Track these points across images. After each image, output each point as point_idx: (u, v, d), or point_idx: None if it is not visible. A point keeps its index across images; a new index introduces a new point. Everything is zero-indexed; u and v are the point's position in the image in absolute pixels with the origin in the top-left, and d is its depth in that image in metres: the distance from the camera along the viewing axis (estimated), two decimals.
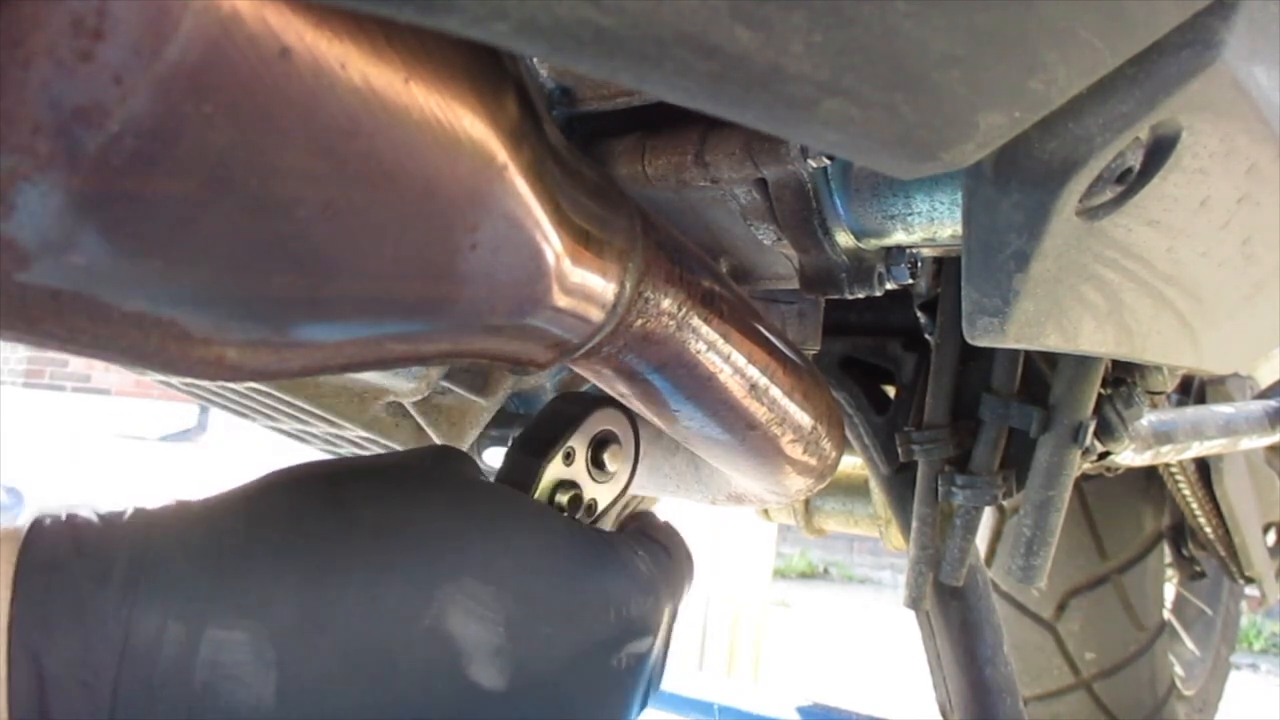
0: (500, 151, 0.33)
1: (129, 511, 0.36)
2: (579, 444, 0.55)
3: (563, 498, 0.53)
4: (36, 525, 0.34)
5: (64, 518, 0.35)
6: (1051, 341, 0.47)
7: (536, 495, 0.52)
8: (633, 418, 0.59)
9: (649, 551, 0.48)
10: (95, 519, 0.35)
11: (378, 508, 0.39)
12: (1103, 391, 0.76)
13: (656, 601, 0.46)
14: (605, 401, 0.56)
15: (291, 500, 0.38)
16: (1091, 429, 0.74)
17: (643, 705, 0.46)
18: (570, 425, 0.55)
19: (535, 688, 0.39)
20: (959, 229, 0.52)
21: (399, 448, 0.81)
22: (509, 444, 0.87)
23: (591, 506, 0.56)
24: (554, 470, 0.53)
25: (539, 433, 0.54)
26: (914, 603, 0.82)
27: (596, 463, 0.56)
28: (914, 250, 0.58)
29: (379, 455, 0.45)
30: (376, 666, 0.35)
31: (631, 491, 0.60)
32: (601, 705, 0.42)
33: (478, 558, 0.39)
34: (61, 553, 0.33)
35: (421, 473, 0.43)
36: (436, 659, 0.36)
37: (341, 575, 0.36)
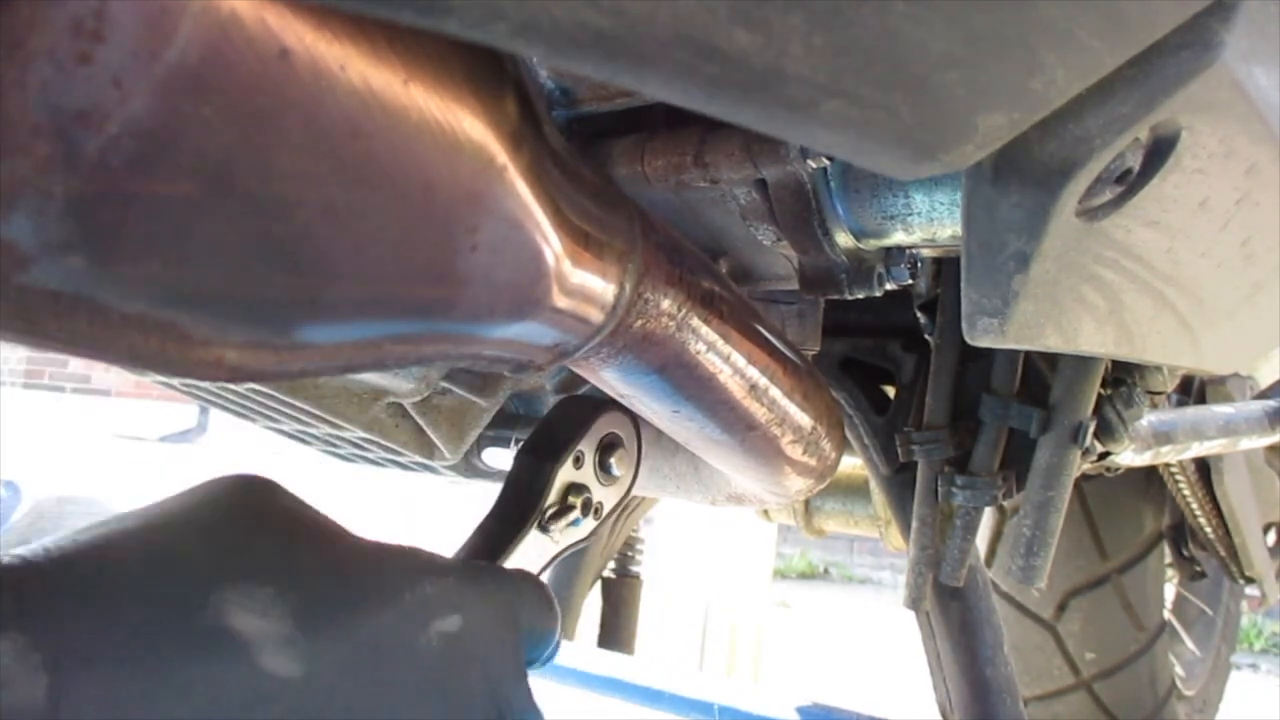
0: (500, 153, 0.33)
1: None
2: (587, 447, 0.55)
3: (575, 500, 0.54)
4: None
5: None
6: (1051, 342, 0.47)
7: (549, 500, 0.53)
8: (636, 421, 0.59)
9: (442, 558, 0.49)
10: None
11: (160, 535, 0.41)
12: (1103, 392, 0.76)
13: (455, 582, 0.46)
14: (611, 405, 0.56)
15: (84, 536, 0.40)
16: (1091, 429, 0.74)
17: (500, 713, 0.46)
18: (579, 429, 0.55)
19: (340, 672, 0.40)
20: (959, 229, 0.52)
21: (399, 448, 0.81)
22: (514, 447, 0.87)
23: (598, 509, 0.56)
24: (565, 474, 0.53)
25: (548, 437, 0.55)
26: (914, 603, 0.82)
27: (603, 466, 0.56)
28: (914, 251, 0.58)
29: (179, 495, 0.46)
30: (157, 662, 0.36)
31: (633, 492, 0.60)
32: (423, 681, 0.43)
33: (250, 564, 0.40)
34: None
35: (215, 505, 0.44)
36: (223, 652, 0.37)
37: (115, 590, 0.37)
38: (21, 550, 0.37)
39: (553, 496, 0.53)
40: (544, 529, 0.53)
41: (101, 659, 0.35)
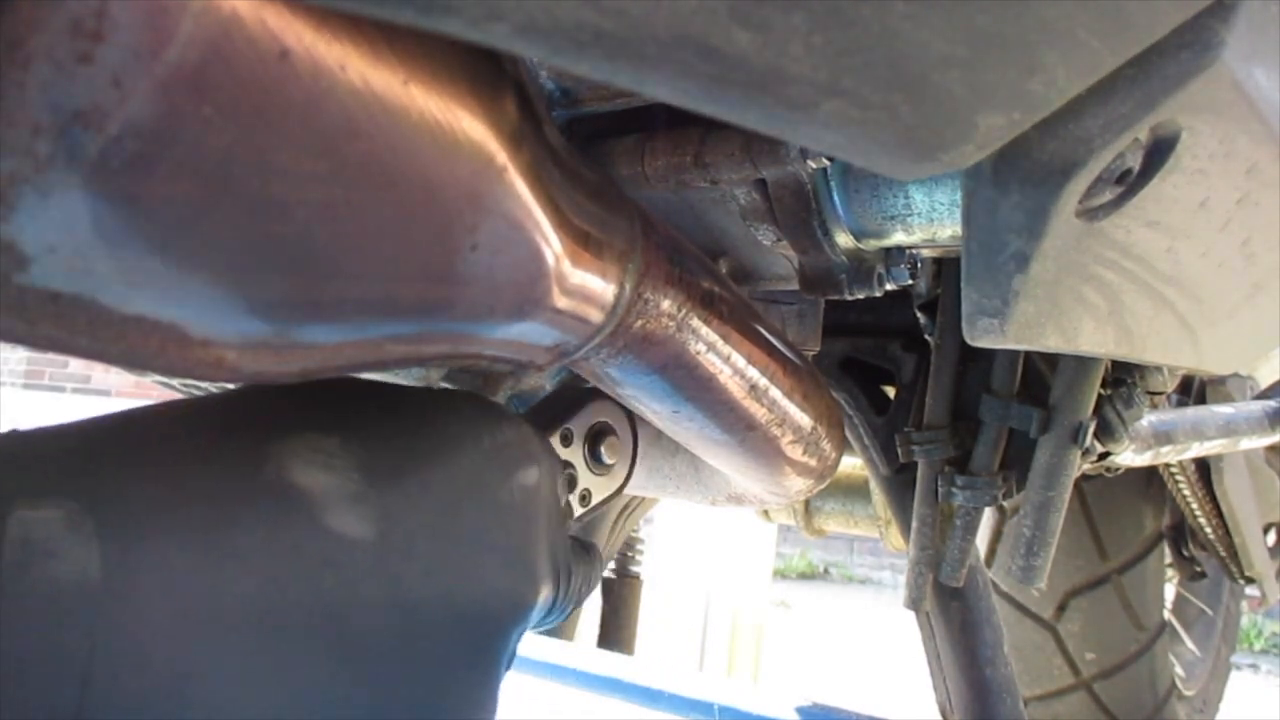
0: (500, 153, 0.33)
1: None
2: (577, 428, 0.55)
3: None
4: None
5: None
6: (1051, 342, 0.47)
7: None
8: (631, 416, 0.59)
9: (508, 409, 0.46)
10: None
11: (213, 396, 0.38)
12: (1103, 392, 0.76)
13: (530, 430, 0.43)
14: (605, 393, 0.56)
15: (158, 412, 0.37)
16: (1091, 429, 0.74)
17: (558, 572, 0.43)
18: (571, 407, 0.55)
19: (415, 531, 0.37)
20: (959, 229, 0.52)
21: None
22: None
23: (586, 496, 0.56)
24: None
25: (539, 412, 0.55)
26: (914, 603, 0.82)
27: (594, 454, 0.56)
28: (914, 251, 0.58)
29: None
30: (216, 527, 0.33)
31: (633, 492, 0.60)
32: (505, 536, 0.40)
33: (317, 414, 0.37)
34: None
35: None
36: (287, 513, 0.34)
37: (170, 450, 0.34)
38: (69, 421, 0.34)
39: None
40: None
41: (156, 524, 0.32)
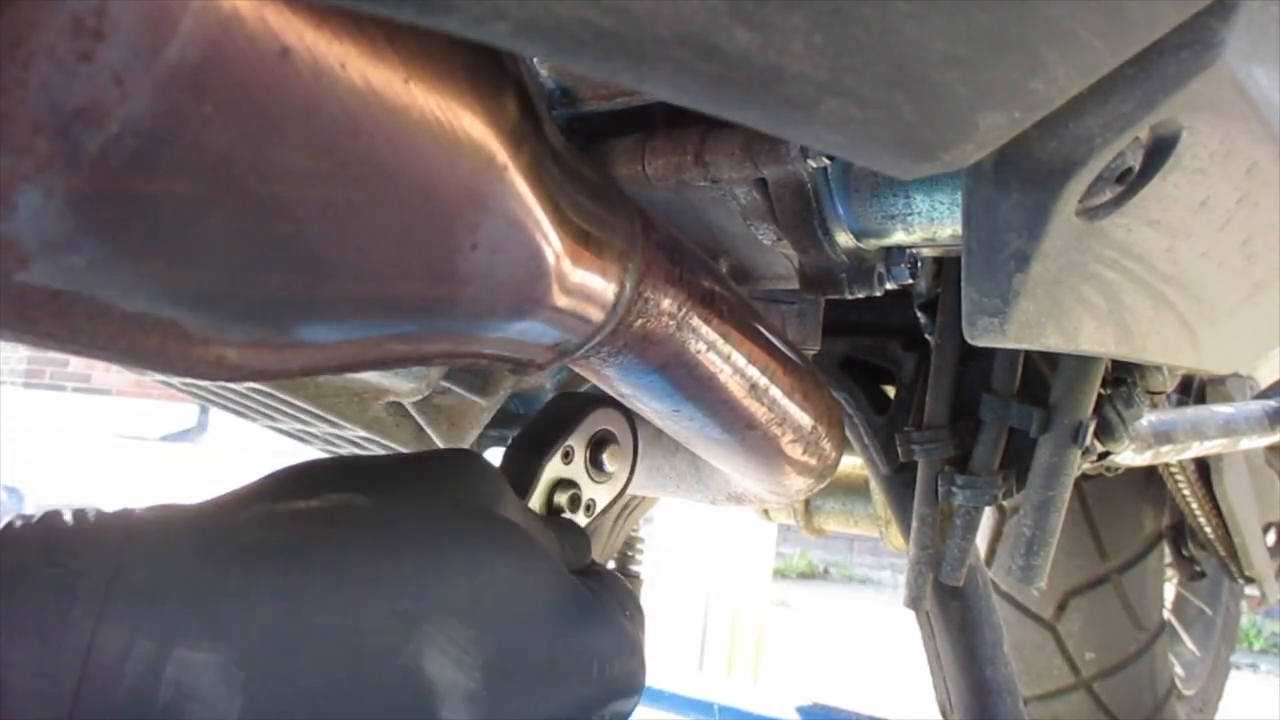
0: (500, 152, 0.33)
1: (112, 515, 0.35)
2: (578, 443, 0.55)
3: (561, 497, 0.53)
4: (8, 529, 0.33)
5: (37, 520, 0.34)
6: (1051, 342, 0.47)
7: (535, 494, 0.52)
8: (631, 418, 0.59)
9: (630, 609, 0.46)
10: (70, 522, 0.34)
11: (377, 520, 0.38)
12: (1103, 391, 0.76)
13: (641, 661, 0.44)
14: (604, 401, 0.56)
15: (287, 505, 0.37)
16: (1091, 429, 0.74)
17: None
18: (569, 424, 0.55)
19: None
20: (959, 229, 0.52)
21: (399, 448, 0.81)
22: (509, 443, 0.87)
23: (590, 506, 0.56)
24: (553, 469, 0.53)
25: (538, 431, 0.54)
26: (914, 603, 0.82)
27: (595, 462, 0.56)
28: (914, 250, 0.58)
29: (395, 455, 0.44)
30: (346, 700, 0.34)
31: (633, 492, 0.60)
32: None
33: (464, 597, 0.38)
34: (30, 559, 0.32)
35: (433, 484, 0.42)
36: (408, 699, 0.35)
37: (324, 598, 0.35)
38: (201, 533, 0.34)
39: (539, 493, 0.53)
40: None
41: (294, 686, 0.33)
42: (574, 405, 0.56)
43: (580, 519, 0.55)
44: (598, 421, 0.56)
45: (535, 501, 0.52)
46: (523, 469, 0.52)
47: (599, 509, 0.56)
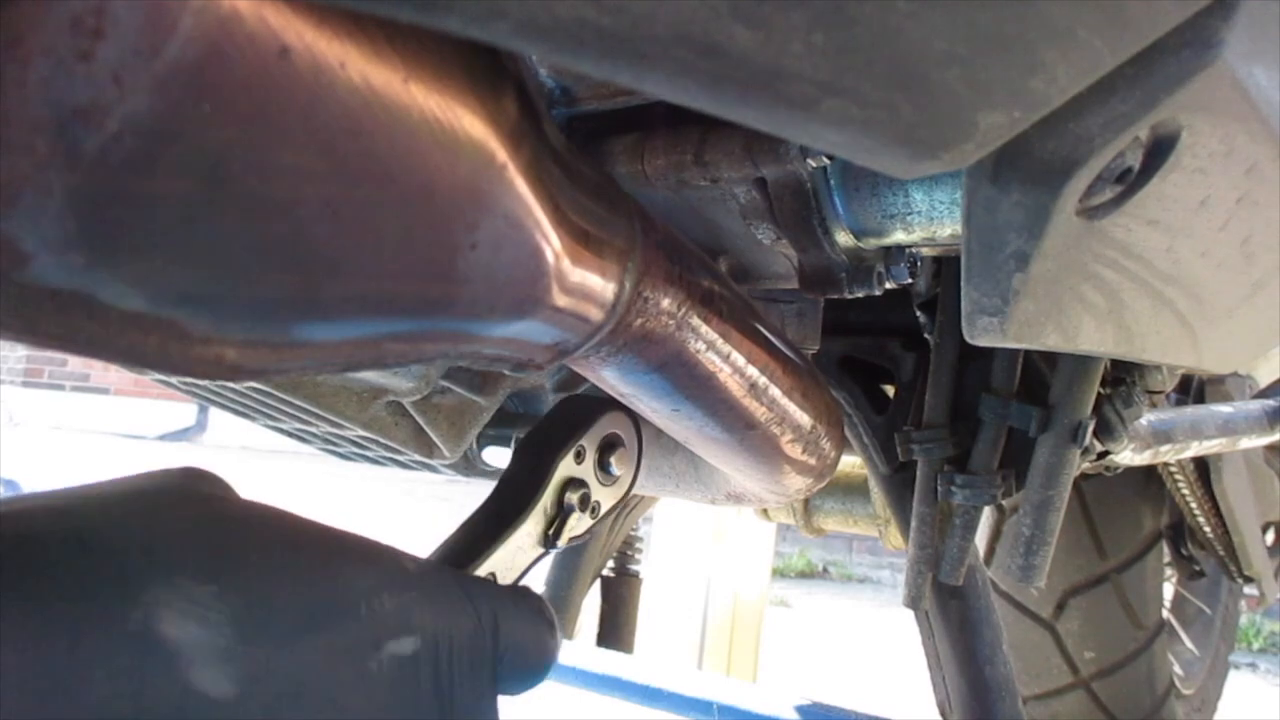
0: (500, 151, 0.33)
1: None
2: (589, 444, 0.55)
3: (572, 496, 0.54)
4: None
5: None
6: (1051, 341, 0.47)
7: (547, 491, 0.52)
8: (637, 422, 0.59)
9: (413, 562, 0.44)
10: None
11: (91, 518, 0.36)
12: (1102, 391, 0.76)
13: (417, 597, 0.42)
14: (614, 405, 0.56)
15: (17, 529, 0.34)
16: (1091, 428, 0.74)
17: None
18: (582, 424, 0.55)
19: (275, 693, 0.36)
20: (958, 228, 0.52)
21: (399, 447, 0.81)
22: (512, 442, 0.87)
23: (595, 508, 0.56)
24: (565, 467, 0.53)
25: (551, 429, 0.55)
26: (913, 602, 0.82)
27: (603, 465, 0.56)
28: (913, 250, 0.58)
29: (114, 480, 0.41)
30: (72, 667, 0.32)
31: (633, 492, 0.60)
32: (369, 710, 0.38)
33: (195, 558, 0.36)
34: None
35: (156, 493, 0.39)
36: (149, 663, 0.33)
37: (35, 573, 0.33)
38: None
39: (551, 489, 0.53)
40: (545, 531, 0.52)
41: (8, 653, 0.31)
42: (586, 407, 0.57)
43: (586, 520, 0.55)
44: (609, 424, 0.57)
45: (546, 498, 0.53)
46: (535, 464, 0.53)
47: (603, 511, 0.56)
